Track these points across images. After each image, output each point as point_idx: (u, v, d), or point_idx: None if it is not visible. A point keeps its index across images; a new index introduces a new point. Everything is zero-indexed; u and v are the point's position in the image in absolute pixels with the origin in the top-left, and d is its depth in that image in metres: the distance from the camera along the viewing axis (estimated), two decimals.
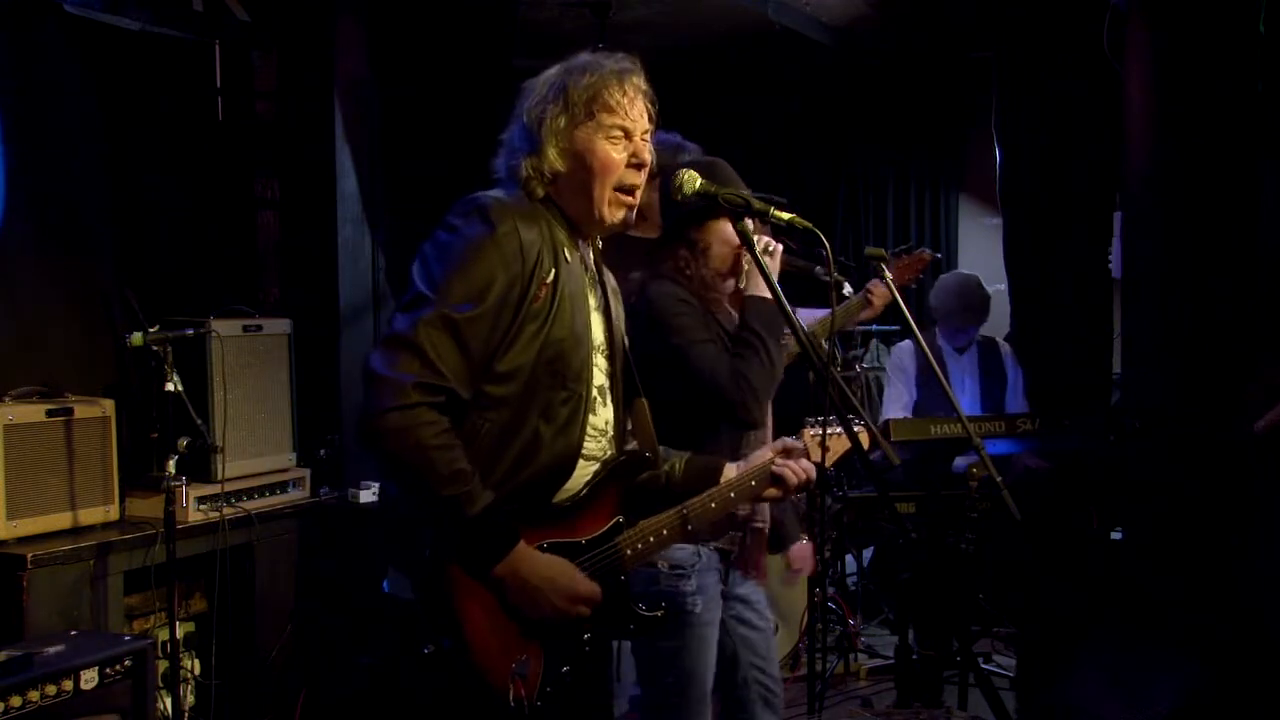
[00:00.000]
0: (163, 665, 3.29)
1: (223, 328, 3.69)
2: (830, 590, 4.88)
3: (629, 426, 2.32)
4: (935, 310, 5.06)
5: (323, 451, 4.18)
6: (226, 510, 3.65)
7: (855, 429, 2.20)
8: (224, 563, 3.61)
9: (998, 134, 5.45)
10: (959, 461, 4.30)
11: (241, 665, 3.77)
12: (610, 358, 2.23)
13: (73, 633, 3.01)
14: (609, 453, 2.21)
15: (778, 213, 2.25)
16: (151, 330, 3.41)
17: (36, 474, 3.27)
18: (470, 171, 2.38)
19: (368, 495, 4.07)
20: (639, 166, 2.14)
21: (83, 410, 3.40)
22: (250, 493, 3.79)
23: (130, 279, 3.86)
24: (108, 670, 2.83)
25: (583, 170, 2.11)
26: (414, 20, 4.56)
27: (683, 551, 2.62)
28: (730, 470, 2.39)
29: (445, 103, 4.58)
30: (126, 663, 2.88)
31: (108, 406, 3.48)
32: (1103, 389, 5.29)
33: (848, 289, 3.66)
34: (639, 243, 2.90)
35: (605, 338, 2.22)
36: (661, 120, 2.21)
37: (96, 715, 2.81)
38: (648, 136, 2.16)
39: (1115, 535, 4.62)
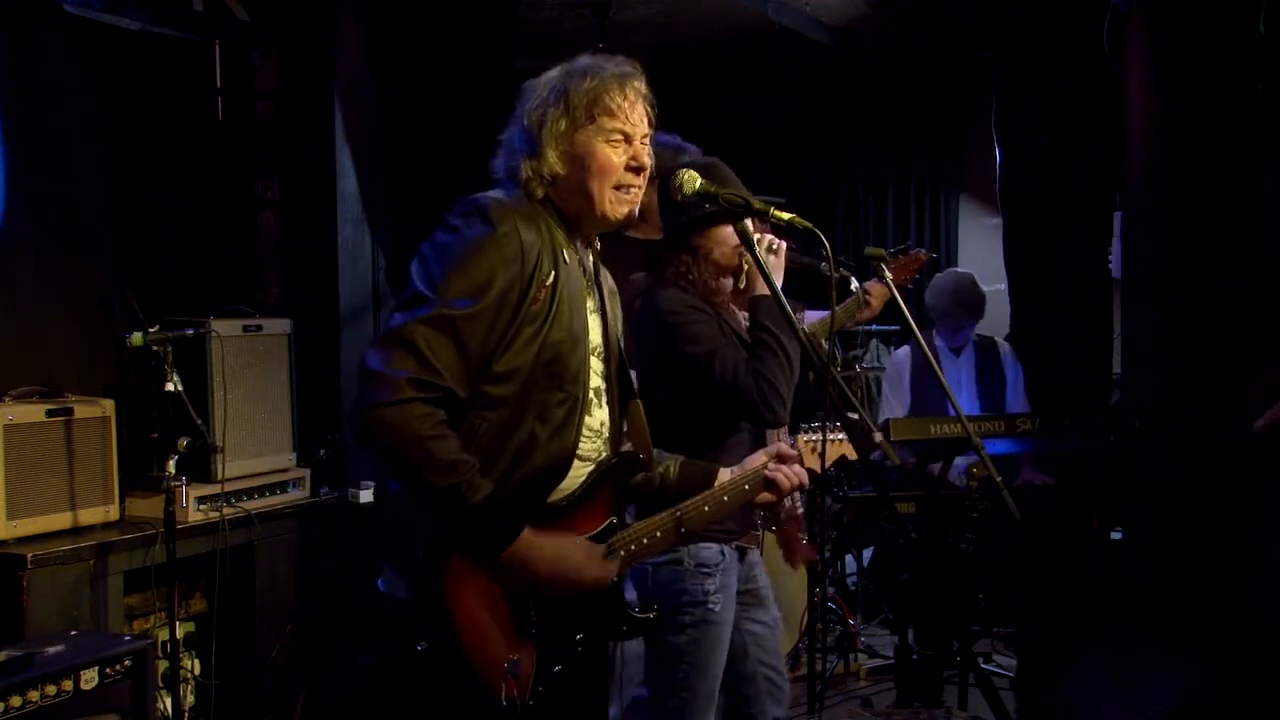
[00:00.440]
0: (163, 665, 3.29)
1: (223, 328, 3.69)
2: (830, 590, 4.88)
3: (624, 428, 2.32)
4: (932, 310, 5.06)
5: (323, 451, 4.18)
6: (226, 510, 3.65)
7: (853, 428, 2.20)
8: (224, 563, 3.61)
9: (998, 134, 5.46)
10: (959, 461, 4.30)
11: (241, 665, 3.76)
12: (606, 359, 2.24)
13: (73, 633, 3.00)
14: (604, 454, 2.21)
15: (778, 213, 2.25)
16: (151, 330, 3.41)
17: (36, 474, 3.27)
18: (470, 171, 2.38)
19: (367, 495, 4.07)
20: (638, 170, 2.14)
21: (83, 410, 3.40)
22: (250, 493, 3.79)
23: (130, 279, 3.86)
24: (108, 670, 2.83)
25: (582, 173, 2.11)
26: (414, 20, 4.56)
27: (708, 550, 2.64)
28: (724, 474, 2.39)
29: (445, 103, 4.58)
30: (126, 663, 2.87)
31: (108, 406, 3.48)
32: (1103, 389, 5.30)
33: (855, 284, 3.66)
34: (639, 243, 2.91)
35: (602, 339, 2.23)
36: (661, 120, 2.21)
37: (96, 715, 2.80)
38: (647, 140, 2.17)
39: (1115, 535, 4.62)
